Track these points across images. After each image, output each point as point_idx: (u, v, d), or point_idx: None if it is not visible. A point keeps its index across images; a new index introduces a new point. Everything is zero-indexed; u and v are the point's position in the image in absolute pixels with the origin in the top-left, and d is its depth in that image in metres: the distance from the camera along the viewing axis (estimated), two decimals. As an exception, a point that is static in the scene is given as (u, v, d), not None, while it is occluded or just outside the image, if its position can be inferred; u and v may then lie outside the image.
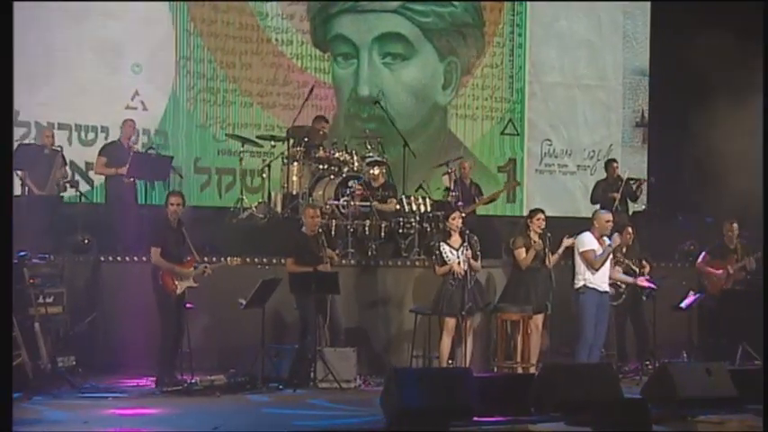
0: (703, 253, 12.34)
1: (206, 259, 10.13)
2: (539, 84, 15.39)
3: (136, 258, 10.64)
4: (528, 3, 15.30)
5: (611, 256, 10.81)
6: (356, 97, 14.42)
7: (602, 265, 10.62)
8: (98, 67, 12.60)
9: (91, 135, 12.76)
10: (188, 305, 9.93)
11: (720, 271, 12.10)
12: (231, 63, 13.59)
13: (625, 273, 11.21)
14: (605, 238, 10.72)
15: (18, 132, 11.94)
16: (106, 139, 12.09)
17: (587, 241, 10.68)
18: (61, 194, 11.40)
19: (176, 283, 9.74)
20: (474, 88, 15.13)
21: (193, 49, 13.34)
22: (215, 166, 13.28)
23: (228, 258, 10.15)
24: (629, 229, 11.46)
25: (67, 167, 11.55)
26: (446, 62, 14.98)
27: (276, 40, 13.90)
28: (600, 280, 10.67)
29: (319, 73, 14.21)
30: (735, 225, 12.16)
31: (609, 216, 10.89)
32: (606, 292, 10.76)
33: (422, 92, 14.89)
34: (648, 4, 15.69)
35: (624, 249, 11.35)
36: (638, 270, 11.24)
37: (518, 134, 15.29)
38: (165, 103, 12.93)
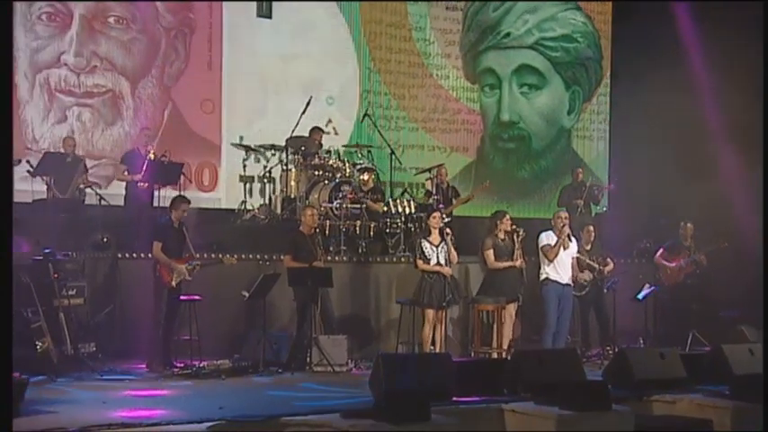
0: (661, 249, 12.56)
1: (209, 256, 10.22)
2: None
3: (150, 256, 10.61)
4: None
5: (576, 256, 11.01)
6: (498, 122, 15.61)
7: (557, 255, 10.71)
8: (301, 100, 13.31)
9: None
10: (187, 297, 9.96)
11: (674, 264, 12.35)
12: (402, 95, 14.93)
13: (587, 269, 11.31)
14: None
15: (240, 154, 13.01)
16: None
17: (545, 237, 10.87)
18: (83, 198, 11.40)
19: (171, 275, 9.79)
20: (591, 113, 16.03)
21: (373, 84, 14.70)
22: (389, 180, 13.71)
23: (225, 256, 10.22)
24: (590, 228, 11.62)
25: (88, 173, 11.56)
26: (571, 91, 15.94)
27: (437, 75, 15.20)
28: (561, 273, 10.78)
29: (470, 102, 15.45)
30: (689, 225, 12.44)
31: (563, 213, 11.12)
32: (568, 284, 10.85)
33: (551, 116, 15.93)
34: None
35: (589, 247, 11.49)
36: (598, 267, 11.36)
37: None
38: (351, 129, 13.94)
